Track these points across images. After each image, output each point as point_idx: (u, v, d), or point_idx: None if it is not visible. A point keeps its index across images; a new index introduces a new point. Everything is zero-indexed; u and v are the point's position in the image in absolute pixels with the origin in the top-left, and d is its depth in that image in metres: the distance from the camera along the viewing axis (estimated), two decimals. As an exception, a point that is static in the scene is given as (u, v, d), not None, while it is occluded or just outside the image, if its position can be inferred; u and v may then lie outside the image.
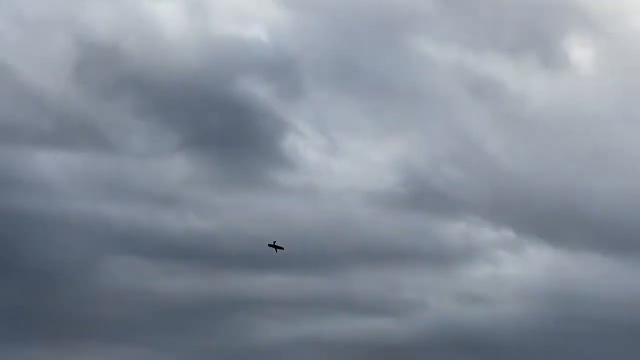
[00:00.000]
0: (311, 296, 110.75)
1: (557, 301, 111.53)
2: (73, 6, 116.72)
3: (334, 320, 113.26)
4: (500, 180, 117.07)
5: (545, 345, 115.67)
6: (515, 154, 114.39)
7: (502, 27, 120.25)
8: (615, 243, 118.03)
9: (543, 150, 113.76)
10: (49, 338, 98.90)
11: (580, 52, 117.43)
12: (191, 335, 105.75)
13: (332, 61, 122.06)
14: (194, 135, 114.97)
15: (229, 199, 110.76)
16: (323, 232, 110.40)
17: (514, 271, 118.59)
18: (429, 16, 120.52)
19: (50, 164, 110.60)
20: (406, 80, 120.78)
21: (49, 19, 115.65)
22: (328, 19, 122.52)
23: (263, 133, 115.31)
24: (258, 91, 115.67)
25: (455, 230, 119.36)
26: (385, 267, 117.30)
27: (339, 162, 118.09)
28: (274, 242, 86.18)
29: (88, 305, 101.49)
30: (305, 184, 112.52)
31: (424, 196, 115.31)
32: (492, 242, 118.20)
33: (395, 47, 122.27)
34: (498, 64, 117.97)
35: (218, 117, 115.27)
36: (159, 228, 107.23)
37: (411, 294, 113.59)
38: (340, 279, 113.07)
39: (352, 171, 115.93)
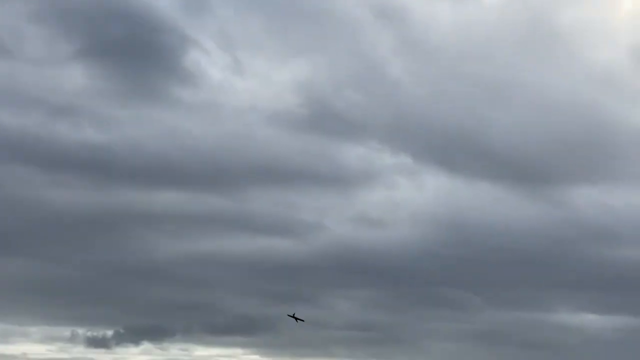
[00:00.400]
0: (209, 213, 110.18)
1: (449, 226, 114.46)
2: None
3: (231, 238, 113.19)
4: (400, 106, 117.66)
5: (437, 268, 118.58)
6: (417, 80, 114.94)
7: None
8: (508, 173, 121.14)
9: (444, 78, 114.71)
10: None
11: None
12: (85, 248, 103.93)
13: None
14: (92, 44, 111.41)
15: (127, 112, 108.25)
16: (223, 150, 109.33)
17: (409, 196, 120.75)
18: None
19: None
20: (313, 2, 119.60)
21: None
22: None
23: (165, 47, 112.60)
24: (161, 2, 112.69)
25: (354, 154, 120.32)
26: (284, 187, 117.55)
27: (242, 81, 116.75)
28: (294, 314, 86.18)
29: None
30: (206, 101, 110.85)
31: (324, 118, 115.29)
32: (389, 167, 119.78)
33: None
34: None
35: (118, 26, 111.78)
36: (53, 138, 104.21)
37: (309, 215, 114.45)
38: (239, 198, 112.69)
39: (254, 90, 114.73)
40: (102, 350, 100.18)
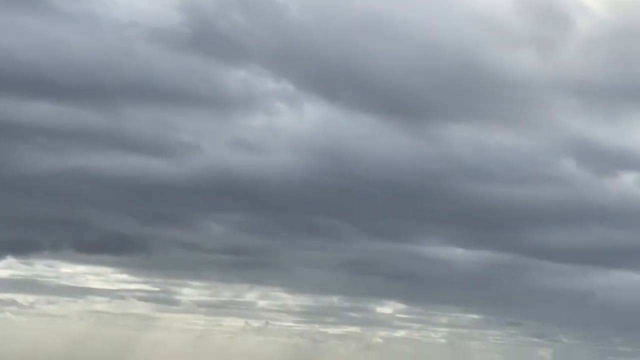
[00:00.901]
0: (82, 128, 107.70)
1: (327, 156, 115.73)
2: None
3: (104, 155, 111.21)
4: (286, 32, 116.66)
5: (313, 197, 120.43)
6: (305, 7, 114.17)
7: None
8: (387, 106, 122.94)
9: (332, 8, 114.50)
10: None
11: None
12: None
13: None
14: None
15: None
16: (99, 64, 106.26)
17: (289, 123, 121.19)
18: None
19: None
20: None
21: None
22: None
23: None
24: None
25: (235, 77, 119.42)
26: (161, 106, 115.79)
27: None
28: None
29: None
30: (84, 11, 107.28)
31: (207, 38, 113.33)
32: (271, 93, 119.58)
33: None
34: None
35: None
36: None
37: (185, 136, 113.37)
38: (114, 114, 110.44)
39: (135, 4, 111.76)
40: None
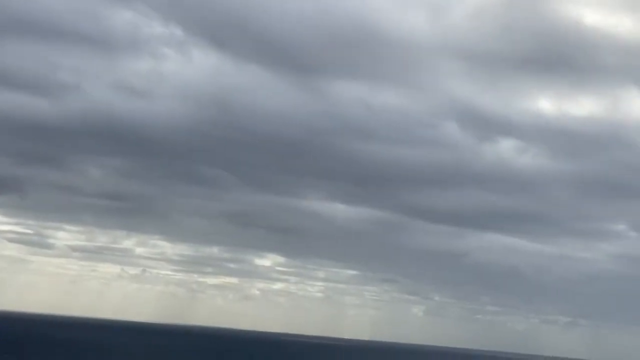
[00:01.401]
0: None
1: (213, 105, 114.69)
2: None
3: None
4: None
5: (196, 145, 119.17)
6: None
7: None
8: (278, 59, 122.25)
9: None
10: None
11: None
12: None
13: None
14: None
15: None
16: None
17: (176, 69, 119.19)
18: None
19: None
20: None
21: None
22: None
23: None
24: None
25: (122, 17, 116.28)
26: (43, 44, 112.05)
27: None
28: None
29: None
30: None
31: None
32: (158, 37, 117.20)
33: None
34: None
35: None
36: None
37: (67, 75, 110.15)
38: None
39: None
40: None
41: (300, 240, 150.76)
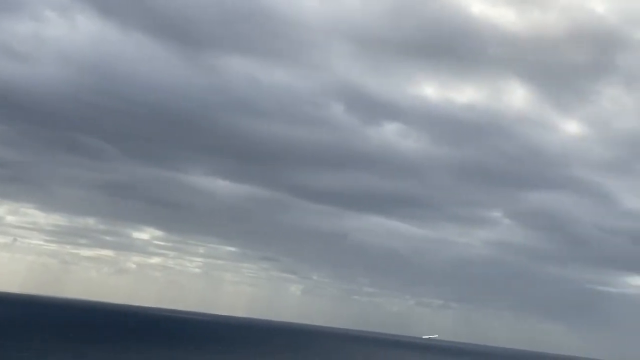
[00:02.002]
0: None
1: (97, 73, 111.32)
2: None
3: None
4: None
5: (77, 114, 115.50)
6: None
7: None
8: (167, 30, 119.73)
9: None
10: None
11: None
12: None
13: None
14: None
15: None
16: None
17: (58, 34, 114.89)
18: None
19: None
20: None
21: None
22: None
23: None
24: None
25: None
26: None
27: None
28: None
29: None
30: None
31: None
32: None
33: None
34: None
35: None
36: None
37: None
38: None
39: None
40: None
41: (180, 215, 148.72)
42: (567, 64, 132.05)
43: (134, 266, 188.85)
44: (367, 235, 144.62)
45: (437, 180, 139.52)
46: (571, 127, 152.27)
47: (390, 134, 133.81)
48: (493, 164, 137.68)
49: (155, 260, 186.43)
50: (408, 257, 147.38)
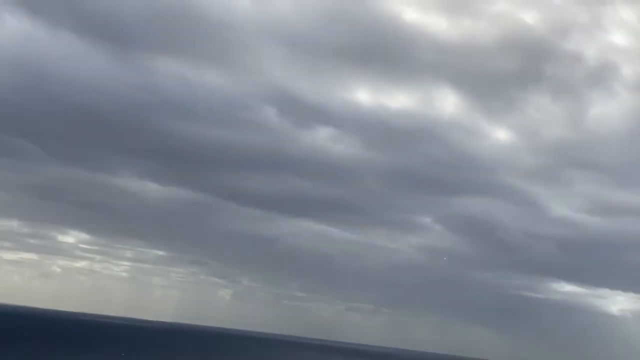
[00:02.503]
0: None
1: (24, 72, 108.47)
2: None
3: None
4: None
5: (0, 113, 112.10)
6: None
7: None
8: (96, 29, 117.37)
9: None
10: None
11: None
12: None
13: None
14: None
15: None
16: None
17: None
18: None
19: None
20: None
21: None
22: None
23: None
24: None
25: None
26: None
27: None
28: None
29: None
30: None
31: None
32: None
33: None
34: None
35: None
36: None
37: None
38: None
39: None
40: None
41: (107, 218, 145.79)
42: (497, 72, 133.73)
43: (59, 270, 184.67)
44: (298, 239, 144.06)
45: (368, 185, 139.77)
46: (500, 134, 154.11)
47: (322, 138, 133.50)
48: (424, 170, 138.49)
49: (81, 264, 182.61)
50: (339, 262, 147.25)
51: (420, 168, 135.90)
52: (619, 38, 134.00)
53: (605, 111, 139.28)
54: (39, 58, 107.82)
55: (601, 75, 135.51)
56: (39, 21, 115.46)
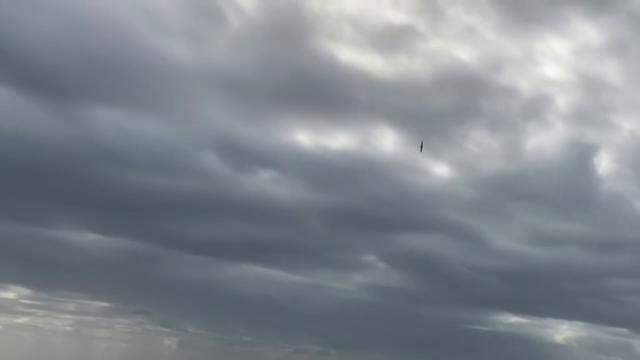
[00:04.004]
0: None
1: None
2: None
3: None
4: None
5: None
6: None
7: None
8: (28, 80, 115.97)
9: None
10: None
11: None
12: None
13: None
14: None
15: None
16: None
17: None
18: None
19: None
20: None
21: None
22: None
23: None
24: None
25: None
26: None
27: None
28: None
29: None
30: None
31: None
32: None
33: None
34: None
35: None
36: None
37: None
38: None
39: None
40: None
41: (48, 272, 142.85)
42: (434, 108, 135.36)
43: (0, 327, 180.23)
44: (243, 284, 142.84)
45: (311, 226, 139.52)
46: (440, 170, 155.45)
47: (264, 181, 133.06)
48: (366, 208, 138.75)
49: (22, 319, 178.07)
50: (285, 305, 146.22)
51: (362, 207, 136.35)
52: (551, 70, 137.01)
53: (541, 142, 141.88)
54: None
55: (536, 108, 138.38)
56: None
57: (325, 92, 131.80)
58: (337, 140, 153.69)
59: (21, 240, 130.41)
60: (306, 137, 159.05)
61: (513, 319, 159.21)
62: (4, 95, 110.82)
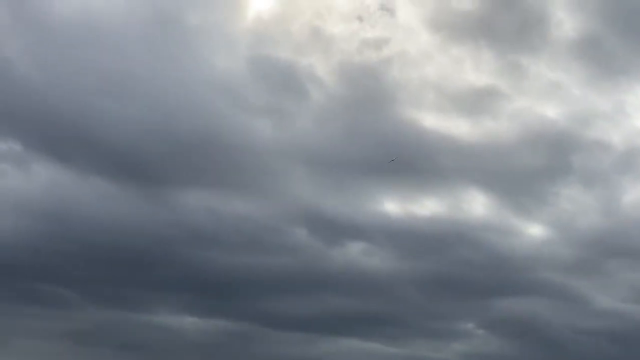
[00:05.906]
0: None
1: (55, 220, 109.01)
2: None
3: None
4: (11, 88, 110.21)
5: (35, 263, 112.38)
6: (33, 60, 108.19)
7: None
8: (120, 169, 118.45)
9: (61, 61, 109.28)
10: None
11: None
12: None
13: None
14: None
15: None
16: None
17: (16, 185, 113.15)
18: None
19: None
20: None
21: None
22: None
23: None
24: None
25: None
26: None
27: None
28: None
29: None
30: None
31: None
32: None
33: None
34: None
35: None
36: None
37: None
38: None
39: None
40: None
41: (151, 357, 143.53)
42: (523, 169, 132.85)
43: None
44: (340, 358, 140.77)
45: (405, 296, 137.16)
46: (534, 230, 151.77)
47: (354, 253, 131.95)
48: (460, 275, 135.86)
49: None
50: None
51: (456, 273, 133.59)
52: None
53: (638, 196, 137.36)
54: (66, 205, 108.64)
55: (629, 160, 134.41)
56: (65, 169, 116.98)
57: (412, 160, 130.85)
58: (426, 207, 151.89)
59: (123, 327, 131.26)
60: (395, 205, 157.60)
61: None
62: (98, 185, 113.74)
